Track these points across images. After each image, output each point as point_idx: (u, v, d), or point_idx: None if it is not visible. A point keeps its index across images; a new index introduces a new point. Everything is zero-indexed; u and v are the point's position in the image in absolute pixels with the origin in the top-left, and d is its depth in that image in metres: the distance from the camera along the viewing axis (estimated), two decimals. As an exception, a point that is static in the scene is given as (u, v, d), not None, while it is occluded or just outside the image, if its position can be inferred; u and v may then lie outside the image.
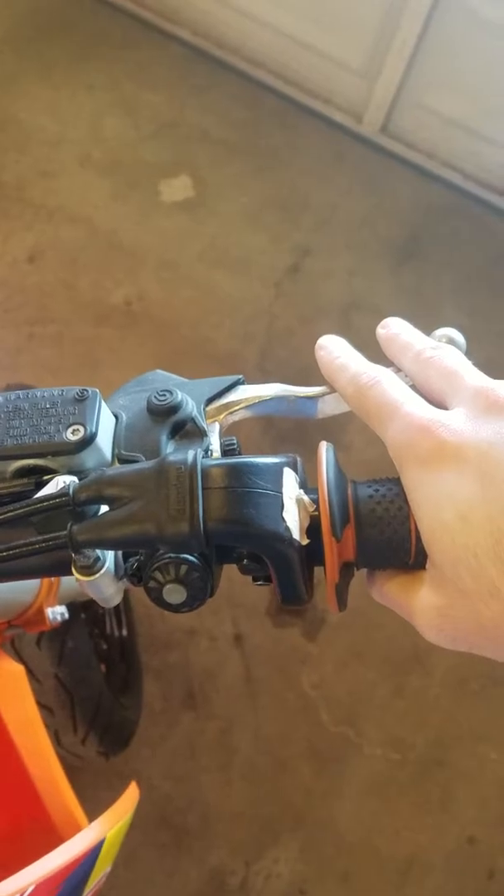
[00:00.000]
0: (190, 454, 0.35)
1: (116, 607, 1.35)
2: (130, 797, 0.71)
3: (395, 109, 2.04)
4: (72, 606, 0.81)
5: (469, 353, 0.39)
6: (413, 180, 2.08)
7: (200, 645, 1.53)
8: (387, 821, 1.45)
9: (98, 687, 1.13)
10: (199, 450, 0.36)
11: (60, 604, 0.75)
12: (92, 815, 0.70)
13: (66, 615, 0.74)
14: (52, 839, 0.69)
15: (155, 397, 0.41)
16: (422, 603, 0.33)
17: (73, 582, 0.76)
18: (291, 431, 1.68)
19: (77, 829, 0.71)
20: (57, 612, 0.73)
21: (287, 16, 2.01)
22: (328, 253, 1.95)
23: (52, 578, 0.72)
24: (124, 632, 1.38)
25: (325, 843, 1.43)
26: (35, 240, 1.86)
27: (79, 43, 2.13)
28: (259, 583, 0.38)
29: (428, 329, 0.41)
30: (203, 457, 0.35)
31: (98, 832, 0.63)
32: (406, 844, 1.44)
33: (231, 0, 2.06)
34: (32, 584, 0.70)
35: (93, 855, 0.61)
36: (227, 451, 0.41)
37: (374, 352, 0.41)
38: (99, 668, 1.16)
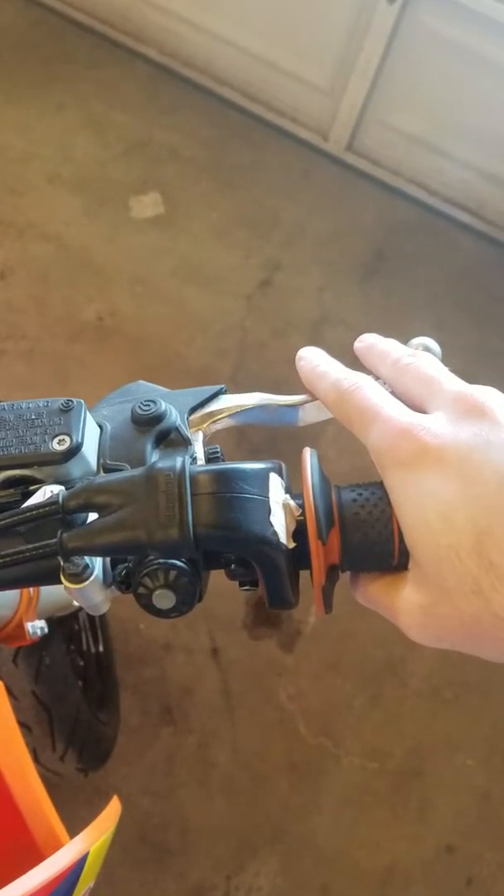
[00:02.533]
0: (178, 461, 0.35)
1: (92, 623, 1.34)
2: (113, 811, 0.71)
3: (359, 127, 2.07)
4: (49, 623, 0.81)
5: (442, 362, 0.40)
6: (379, 197, 2.12)
7: (177, 659, 1.53)
8: (365, 831, 1.46)
9: (76, 703, 1.12)
10: (186, 457, 0.36)
11: (39, 618, 0.75)
12: (72, 831, 0.69)
13: (46, 629, 0.74)
14: (34, 857, 0.69)
15: (139, 407, 0.41)
16: (406, 602, 0.34)
17: (51, 597, 0.76)
18: (264, 444, 1.69)
19: (59, 846, 0.71)
20: (37, 627, 0.73)
21: (253, 36, 2.04)
22: (298, 268, 1.97)
23: (32, 593, 0.72)
24: (100, 647, 1.37)
25: (305, 856, 1.43)
26: (5, 256, 1.85)
27: (46, 62, 2.14)
28: (246, 588, 0.38)
29: (399, 341, 0.43)
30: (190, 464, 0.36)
31: (82, 846, 0.63)
32: (385, 855, 1.44)
33: (196, 20, 2.08)
34: (12, 598, 0.70)
35: (77, 869, 0.61)
36: (210, 460, 0.41)
37: (346, 364, 0.42)
38: (76, 684, 1.15)
